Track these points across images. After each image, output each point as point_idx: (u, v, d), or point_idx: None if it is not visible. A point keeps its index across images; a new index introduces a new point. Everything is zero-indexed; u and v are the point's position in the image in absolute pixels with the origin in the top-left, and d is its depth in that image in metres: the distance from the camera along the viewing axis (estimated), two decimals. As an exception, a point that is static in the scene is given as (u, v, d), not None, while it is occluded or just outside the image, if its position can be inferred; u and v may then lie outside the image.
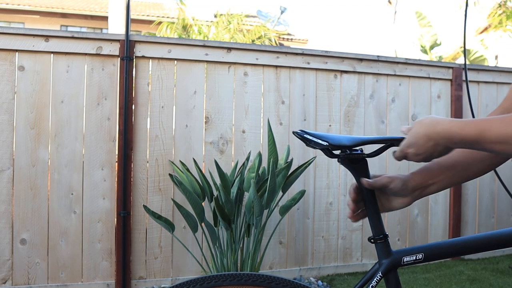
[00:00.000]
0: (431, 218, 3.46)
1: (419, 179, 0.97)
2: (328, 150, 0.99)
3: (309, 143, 0.97)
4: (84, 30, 13.37)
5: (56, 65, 2.65)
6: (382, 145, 0.99)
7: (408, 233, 3.38)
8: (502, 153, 0.75)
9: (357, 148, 1.00)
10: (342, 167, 3.18)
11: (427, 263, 3.22)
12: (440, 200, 3.48)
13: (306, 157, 2.99)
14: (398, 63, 3.35)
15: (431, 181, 0.96)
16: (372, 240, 1.01)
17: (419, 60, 3.57)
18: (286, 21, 12.50)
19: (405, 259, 1.00)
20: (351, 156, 1.01)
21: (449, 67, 3.55)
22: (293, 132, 1.00)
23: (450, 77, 3.48)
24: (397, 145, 0.92)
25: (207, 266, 2.64)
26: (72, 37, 2.68)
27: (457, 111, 3.48)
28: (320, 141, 0.96)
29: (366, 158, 1.00)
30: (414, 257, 0.99)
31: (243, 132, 2.96)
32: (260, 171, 2.59)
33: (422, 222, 3.42)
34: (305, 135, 0.96)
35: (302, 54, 3.10)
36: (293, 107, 3.09)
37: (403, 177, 0.98)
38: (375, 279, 0.99)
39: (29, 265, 2.58)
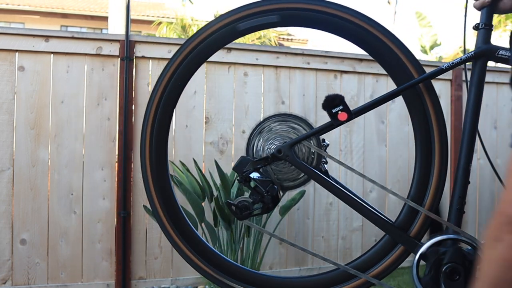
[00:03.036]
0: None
1: None
2: None
3: None
4: (84, 30, 13.37)
5: (56, 65, 2.65)
6: None
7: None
8: None
9: None
10: (342, 168, 3.18)
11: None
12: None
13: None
14: (398, 63, 3.35)
15: None
16: (476, 25, 1.09)
17: (419, 60, 3.57)
18: (286, 21, 12.48)
19: (501, 52, 1.07)
20: None
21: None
22: None
23: (450, 77, 3.48)
24: None
25: (207, 266, 2.63)
26: (72, 37, 2.68)
27: (457, 111, 3.48)
28: None
29: None
30: (510, 53, 1.05)
31: (243, 132, 2.96)
32: (260, 171, 2.59)
33: (422, 222, 3.42)
34: None
35: (302, 54, 3.10)
36: (293, 107, 3.09)
37: None
38: (465, 56, 1.08)
39: (29, 265, 2.58)
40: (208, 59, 3.15)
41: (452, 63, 1.09)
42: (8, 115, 2.56)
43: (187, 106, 2.86)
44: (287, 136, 1.11)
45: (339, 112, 1.06)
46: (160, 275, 2.79)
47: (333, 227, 3.15)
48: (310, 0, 1.08)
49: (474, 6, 1.11)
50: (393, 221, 1.15)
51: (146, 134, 1.17)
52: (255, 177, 1.07)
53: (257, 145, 1.13)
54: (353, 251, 3.18)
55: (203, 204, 2.53)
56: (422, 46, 12.55)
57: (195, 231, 1.23)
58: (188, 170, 2.65)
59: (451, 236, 1.04)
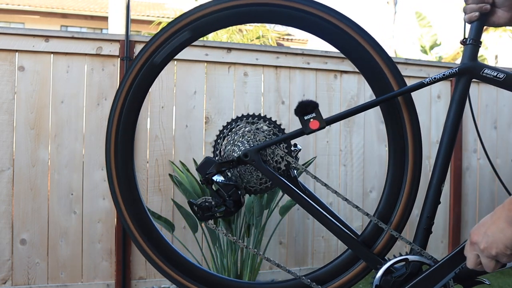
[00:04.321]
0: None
1: None
2: None
3: None
4: (84, 30, 13.38)
5: (56, 65, 2.65)
6: None
7: (408, 233, 3.38)
8: None
9: None
10: (342, 168, 3.19)
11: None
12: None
13: (306, 157, 2.99)
14: (398, 63, 3.35)
15: None
16: (464, 40, 1.05)
17: (419, 60, 3.58)
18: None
19: (486, 71, 1.02)
20: None
21: (449, 67, 3.54)
22: None
23: (450, 77, 3.47)
24: None
25: (207, 266, 2.64)
26: (72, 37, 2.68)
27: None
28: None
29: None
30: (496, 73, 1.02)
31: (243, 132, 2.96)
32: (260, 171, 2.58)
33: (422, 222, 3.42)
34: None
35: (302, 54, 3.10)
36: (293, 107, 3.08)
37: None
38: (449, 71, 1.05)
39: (29, 265, 2.58)
40: (208, 59, 3.13)
41: (434, 77, 1.05)
42: (8, 115, 2.56)
43: (187, 106, 2.86)
44: (256, 139, 1.06)
45: (311, 120, 1.03)
46: (160, 275, 2.78)
47: (333, 227, 3.15)
48: None
49: (464, 20, 1.07)
50: (359, 234, 1.12)
51: (112, 133, 1.09)
52: (217, 180, 1.02)
53: (225, 146, 1.07)
54: (353, 251, 3.18)
55: (203, 204, 2.53)
56: (422, 46, 12.56)
57: (163, 235, 1.16)
58: (188, 170, 2.65)
59: (411, 257, 1.01)
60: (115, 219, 2.71)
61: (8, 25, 13.01)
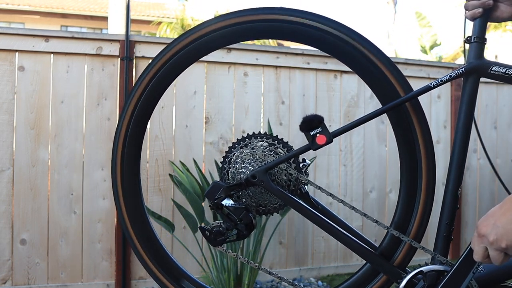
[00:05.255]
0: (431, 218, 3.45)
1: None
2: None
3: None
4: (84, 30, 13.38)
5: (56, 65, 2.65)
6: None
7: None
8: None
9: None
10: (342, 168, 3.18)
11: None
12: (440, 200, 3.47)
13: (306, 157, 2.99)
14: (398, 63, 3.35)
15: None
16: (468, 38, 1.02)
17: (419, 60, 3.57)
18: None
19: (494, 68, 1.00)
20: None
21: (449, 67, 3.55)
22: None
23: (450, 77, 3.48)
24: None
25: (207, 266, 2.64)
26: (72, 37, 2.68)
27: (457, 111, 3.47)
28: None
29: None
30: (505, 70, 0.99)
31: (243, 132, 2.96)
32: (260, 171, 2.58)
33: (422, 222, 3.42)
34: None
35: (302, 54, 3.10)
36: (293, 107, 3.09)
37: None
38: (455, 72, 1.02)
39: (29, 265, 2.58)
40: (208, 59, 3.12)
41: (441, 80, 1.01)
42: (8, 115, 2.56)
43: (187, 106, 2.86)
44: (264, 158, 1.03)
45: (318, 135, 1.00)
46: (160, 275, 2.79)
47: (333, 227, 3.15)
48: (283, 11, 1.02)
49: (466, 17, 1.04)
50: (377, 246, 1.09)
51: (119, 139, 1.10)
52: (227, 205, 1.01)
53: (233, 168, 1.05)
54: (353, 251, 3.18)
55: (203, 204, 2.53)
56: (422, 46, 12.56)
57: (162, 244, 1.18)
58: (188, 170, 2.65)
59: (436, 267, 0.98)
60: (115, 219, 2.72)
61: (8, 25, 13.02)
